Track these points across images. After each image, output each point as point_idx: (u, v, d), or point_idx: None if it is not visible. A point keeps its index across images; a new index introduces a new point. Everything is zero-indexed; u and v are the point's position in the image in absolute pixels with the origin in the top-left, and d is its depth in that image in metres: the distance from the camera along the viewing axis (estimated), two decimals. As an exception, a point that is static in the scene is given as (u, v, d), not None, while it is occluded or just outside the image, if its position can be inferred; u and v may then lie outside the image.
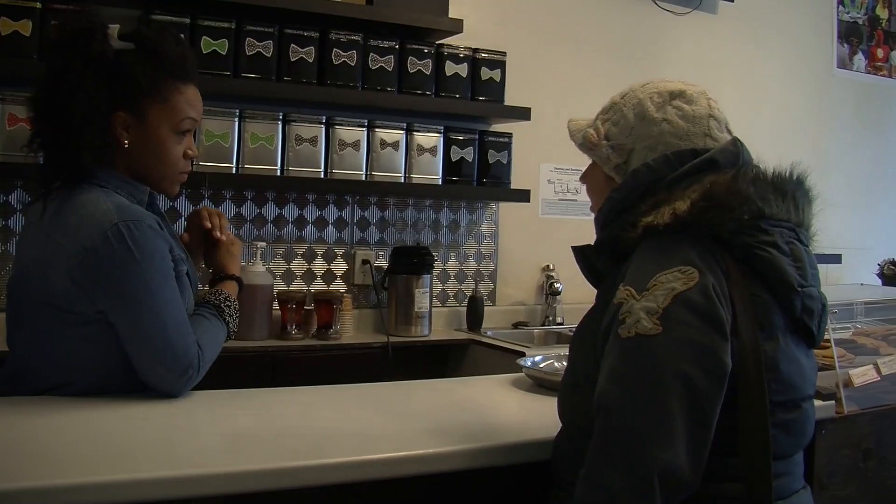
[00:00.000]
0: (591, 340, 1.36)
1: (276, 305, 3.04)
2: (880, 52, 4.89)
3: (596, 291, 1.45)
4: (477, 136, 3.39)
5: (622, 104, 1.45)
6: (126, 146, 1.73)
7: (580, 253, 1.48)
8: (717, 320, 1.22)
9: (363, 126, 3.17)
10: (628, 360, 1.22)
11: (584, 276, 1.50)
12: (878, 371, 2.10)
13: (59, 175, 1.71)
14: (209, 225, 2.00)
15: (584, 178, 1.53)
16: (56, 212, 1.69)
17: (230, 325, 1.86)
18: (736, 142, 1.40)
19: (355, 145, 3.15)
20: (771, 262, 1.29)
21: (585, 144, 1.47)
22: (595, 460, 1.20)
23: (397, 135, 3.23)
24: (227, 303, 1.87)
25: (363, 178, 3.17)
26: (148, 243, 1.65)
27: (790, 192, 1.35)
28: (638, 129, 1.41)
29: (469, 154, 3.36)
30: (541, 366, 2.14)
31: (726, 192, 1.28)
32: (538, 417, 1.79)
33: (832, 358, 2.06)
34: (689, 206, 1.28)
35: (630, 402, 1.19)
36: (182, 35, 2.78)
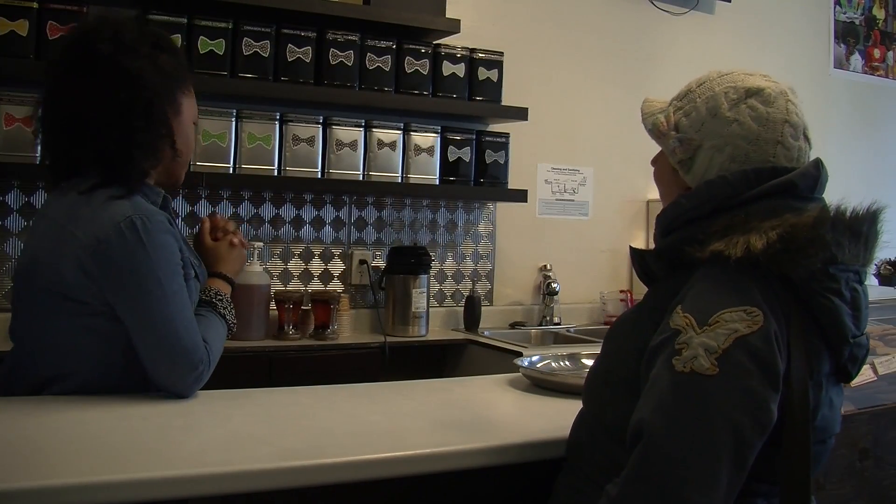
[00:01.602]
0: (633, 342, 1.33)
1: (273, 305, 3.04)
2: (877, 53, 4.90)
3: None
4: (474, 136, 3.39)
5: (697, 94, 1.40)
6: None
7: (637, 254, 1.45)
8: (774, 370, 1.19)
9: (360, 126, 3.17)
10: (680, 396, 1.18)
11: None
12: (875, 371, 2.10)
13: (135, 172, 1.74)
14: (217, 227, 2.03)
15: (654, 162, 1.49)
16: (71, 204, 1.71)
17: (227, 319, 1.87)
18: (818, 165, 1.35)
19: (352, 145, 3.14)
20: (830, 312, 1.27)
21: (654, 132, 1.43)
22: (628, 492, 1.17)
23: (394, 135, 3.23)
24: (219, 297, 1.88)
25: (360, 178, 3.17)
26: (159, 237, 1.67)
27: (864, 234, 1.30)
28: (708, 125, 1.36)
29: (466, 154, 3.36)
30: (538, 366, 2.14)
31: (806, 238, 1.23)
32: (535, 417, 1.79)
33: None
34: (765, 246, 1.23)
35: (676, 441, 1.16)
36: (179, 35, 2.80)
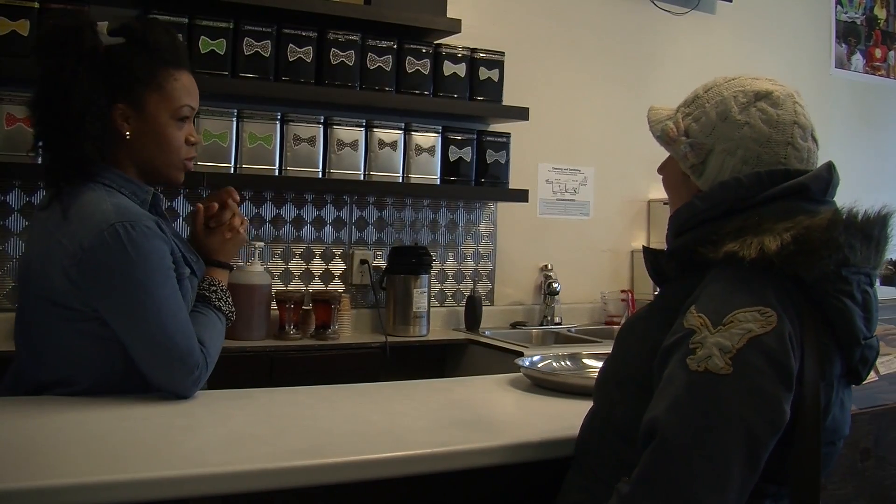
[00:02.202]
0: (645, 342, 1.34)
1: (273, 305, 3.04)
2: (878, 52, 4.89)
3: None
4: (475, 136, 3.39)
5: (705, 99, 1.41)
6: (128, 137, 1.75)
7: (650, 254, 1.46)
8: (787, 370, 1.20)
9: (361, 126, 3.17)
10: (694, 395, 1.18)
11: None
12: (877, 371, 2.10)
13: (66, 172, 1.71)
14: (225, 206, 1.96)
15: (662, 169, 1.49)
16: (61, 210, 1.70)
17: (224, 310, 1.84)
18: (830, 168, 1.36)
19: (353, 145, 3.14)
20: (843, 314, 1.27)
21: (663, 138, 1.44)
22: (640, 490, 1.17)
23: (395, 135, 3.23)
24: (213, 288, 1.85)
25: (361, 177, 3.17)
26: (145, 243, 1.65)
27: (875, 237, 1.31)
28: (719, 129, 1.37)
29: (467, 154, 3.36)
30: (539, 366, 2.14)
31: (819, 240, 1.24)
32: (537, 417, 1.79)
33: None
34: (779, 247, 1.24)
35: (689, 439, 1.16)
36: (181, 35, 2.79)
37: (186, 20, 2.84)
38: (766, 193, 1.31)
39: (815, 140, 1.39)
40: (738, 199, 1.32)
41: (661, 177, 1.51)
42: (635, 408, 1.27)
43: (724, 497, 1.14)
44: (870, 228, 1.30)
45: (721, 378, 1.18)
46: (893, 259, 4.46)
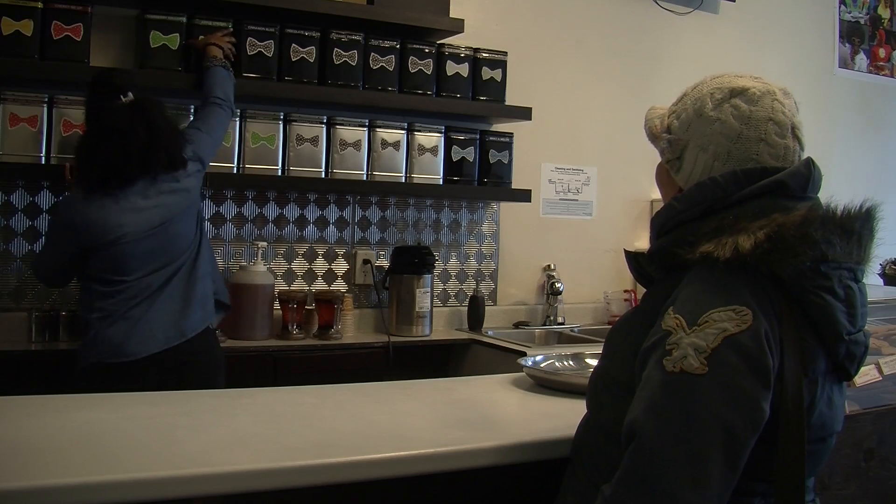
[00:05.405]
0: (628, 345, 1.34)
1: (277, 305, 3.04)
2: (882, 52, 4.88)
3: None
4: (478, 136, 3.39)
5: (689, 97, 1.42)
6: None
7: (632, 257, 1.46)
8: (764, 368, 1.19)
9: (364, 126, 3.17)
10: (670, 396, 1.19)
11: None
12: (880, 371, 2.10)
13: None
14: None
15: (657, 168, 1.50)
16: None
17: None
18: (809, 164, 1.35)
19: (356, 145, 3.14)
20: (823, 310, 1.27)
21: (649, 135, 1.45)
22: (621, 491, 1.18)
23: (398, 134, 3.23)
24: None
25: (364, 177, 3.17)
26: None
27: (857, 231, 1.29)
28: (694, 125, 1.38)
29: (470, 154, 3.36)
30: (541, 365, 2.13)
31: (793, 237, 1.24)
32: (539, 417, 1.79)
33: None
34: (753, 246, 1.23)
35: (666, 439, 1.16)
36: (177, 34, 2.80)
37: (184, 19, 2.83)
38: (743, 192, 1.31)
39: (796, 138, 1.37)
40: (716, 199, 1.32)
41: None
42: (622, 410, 1.27)
43: (704, 496, 1.14)
44: (850, 223, 1.29)
45: (697, 378, 1.18)
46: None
